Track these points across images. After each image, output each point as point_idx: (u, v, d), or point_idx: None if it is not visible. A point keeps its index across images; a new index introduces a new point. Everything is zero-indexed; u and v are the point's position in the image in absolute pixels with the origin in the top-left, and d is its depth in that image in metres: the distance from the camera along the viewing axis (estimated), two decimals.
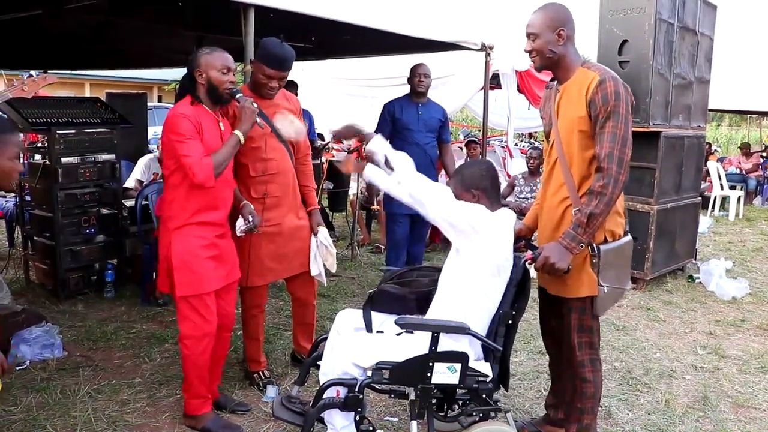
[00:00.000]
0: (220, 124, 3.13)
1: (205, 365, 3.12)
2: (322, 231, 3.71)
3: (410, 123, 4.91)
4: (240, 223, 3.19)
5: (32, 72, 5.69)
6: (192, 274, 3.03)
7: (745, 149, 13.51)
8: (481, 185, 2.74)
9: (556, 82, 2.87)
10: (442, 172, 5.52)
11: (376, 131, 4.89)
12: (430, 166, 4.97)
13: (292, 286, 3.79)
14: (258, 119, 3.10)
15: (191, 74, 3.05)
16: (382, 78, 8.47)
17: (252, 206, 3.30)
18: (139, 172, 6.19)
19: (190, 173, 2.89)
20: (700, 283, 6.15)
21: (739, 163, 13.09)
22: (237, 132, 3.04)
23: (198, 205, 3.04)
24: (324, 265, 3.73)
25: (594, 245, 2.70)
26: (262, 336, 3.76)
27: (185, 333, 3.07)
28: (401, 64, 7.33)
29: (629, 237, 2.89)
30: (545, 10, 2.76)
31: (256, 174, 3.44)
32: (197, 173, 2.88)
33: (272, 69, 3.33)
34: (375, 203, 5.06)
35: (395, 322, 2.56)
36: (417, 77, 4.93)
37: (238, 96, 3.07)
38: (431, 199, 2.63)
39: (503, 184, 7.57)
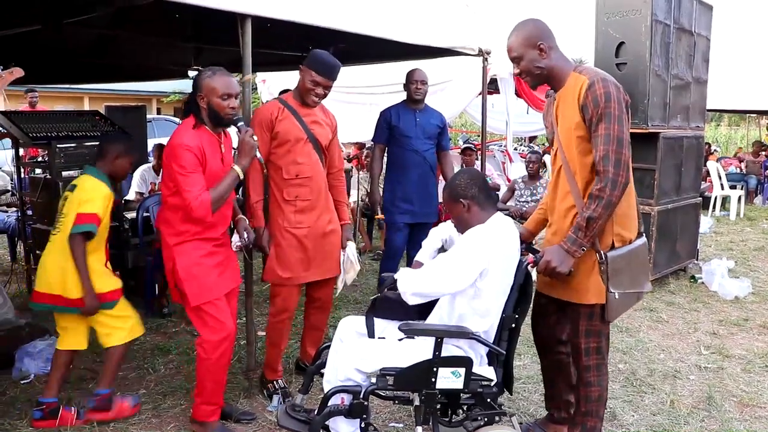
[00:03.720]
0: (222, 146, 3.19)
1: (222, 369, 3.16)
2: (351, 246, 3.78)
3: (408, 130, 4.84)
4: (235, 239, 3.25)
5: None
6: (200, 284, 3.08)
7: (758, 147, 13.37)
8: (469, 193, 2.70)
9: (554, 91, 2.89)
10: (441, 180, 5.40)
11: (374, 139, 4.94)
12: (429, 173, 4.94)
13: (312, 288, 3.78)
14: (258, 154, 3.15)
15: (194, 96, 3.08)
16: (380, 85, 8.48)
17: (247, 221, 3.36)
18: (136, 184, 6.22)
19: (189, 209, 2.95)
20: (703, 283, 6.15)
21: (740, 161, 13.03)
22: (236, 167, 3.09)
23: (197, 227, 3.10)
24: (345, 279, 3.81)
25: (602, 252, 2.67)
26: (284, 344, 3.73)
27: (206, 338, 3.10)
28: (399, 71, 7.30)
29: (643, 239, 2.84)
30: (519, 30, 2.78)
31: (289, 177, 3.51)
32: (196, 209, 2.94)
33: (320, 76, 3.45)
34: (379, 212, 5.08)
35: (399, 328, 2.56)
36: (414, 84, 4.86)
37: (239, 124, 3.12)
38: (431, 286, 2.59)
39: (503, 189, 7.58)
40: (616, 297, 2.69)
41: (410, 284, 2.59)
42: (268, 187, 3.57)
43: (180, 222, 3.08)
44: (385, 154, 5.15)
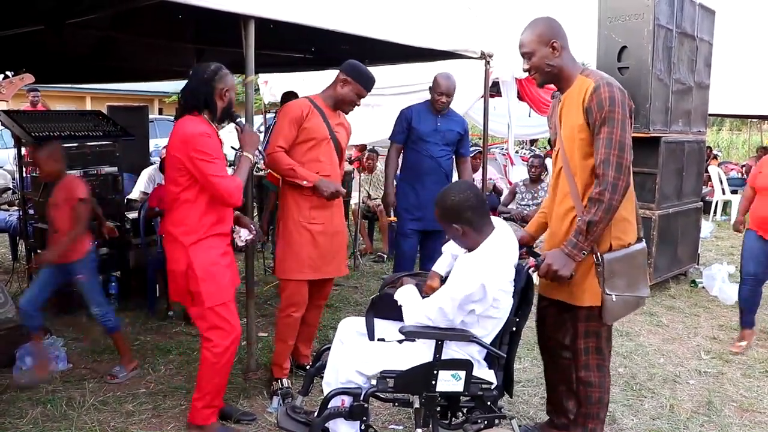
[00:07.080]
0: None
1: (227, 372, 3.17)
2: None
3: (426, 134, 4.64)
4: (245, 234, 3.27)
5: (8, 73, 5.70)
6: (217, 284, 3.09)
7: (762, 153, 13.32)
8: (463, 218, 2.58)
9: (560, 92, 2.89)
10: None
11: (392, 138, 4.82)
12: (444, 180, 4.72)
13: (314, 286, 3.76)
14: (259, 147, 3.25)
15: (210, 92, 3.04)
16: (384, 87, 8.45)
17: (247, 217, 3.46)
18: (143, 184, 6.21)
19: (225, 194, 2.97)
20: (703, 287, 6.15)
21: (742, 168, 12.97)
22: (248, 155, 3.17)
23: (213, 219, 3.09)
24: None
25: (598, 254, 2.68)
26: (292, 340, 3.74)
27: (217, 342, 3.08)
28: (401, 73, 7.34)
29: (642, 244, 2.83)
30: (534, 26, 2.78)
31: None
32: (233, 194, 2.97)
33: (366, 90, 3.63)
34: (392, 214, 4.98)
35: (399, 331, 2.57)
36: (435, 95, 4.61)
37: (238, 120, 3.23)
38: (434, 315, 2.54)
39: (505, 192, 7.58)
40: (613, 300, 2.68)
41: (411, 315, 2.61)
42: (284, 184, 3.64)
43: (199, 217, 3.04)
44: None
